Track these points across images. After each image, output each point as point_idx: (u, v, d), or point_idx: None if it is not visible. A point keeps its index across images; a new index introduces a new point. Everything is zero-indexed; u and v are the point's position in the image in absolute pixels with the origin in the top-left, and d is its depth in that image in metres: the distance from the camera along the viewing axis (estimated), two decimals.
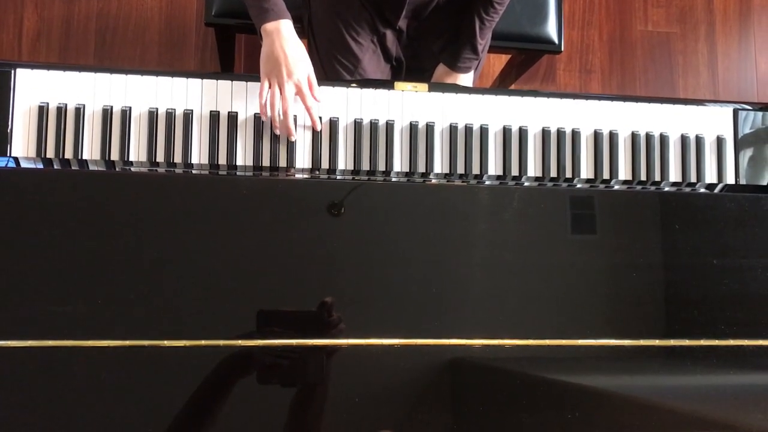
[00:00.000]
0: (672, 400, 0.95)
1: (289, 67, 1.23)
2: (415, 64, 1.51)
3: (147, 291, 0.87)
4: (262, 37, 1.26)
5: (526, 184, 1.20)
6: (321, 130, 1.28)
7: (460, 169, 1.30)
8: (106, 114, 1.22)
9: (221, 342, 0.85)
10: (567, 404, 0.91)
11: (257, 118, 1.26)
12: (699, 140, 1.38)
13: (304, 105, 1.25)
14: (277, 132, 1.26)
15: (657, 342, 0.94)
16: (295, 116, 1.26)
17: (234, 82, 1.27)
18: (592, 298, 0.97)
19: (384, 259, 0.93)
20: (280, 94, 1.23)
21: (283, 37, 1.24)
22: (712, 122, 1.39)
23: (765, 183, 1.41)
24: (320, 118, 1.27)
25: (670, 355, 0.95)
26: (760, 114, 1.42)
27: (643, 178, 1.35)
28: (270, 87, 1.24)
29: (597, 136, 1.35)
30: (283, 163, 1.27)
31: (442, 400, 0.91)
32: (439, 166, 1.30)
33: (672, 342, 0.94)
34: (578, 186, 1.20)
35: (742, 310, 0.96)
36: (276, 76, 1.24)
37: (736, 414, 0.95)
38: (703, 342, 0.94)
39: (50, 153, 1.21)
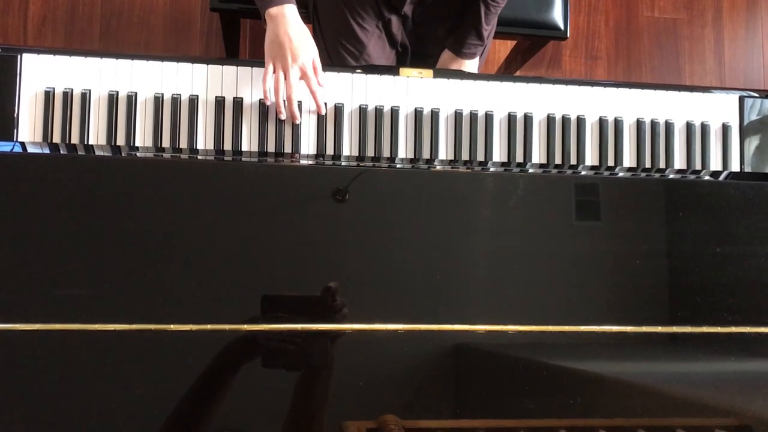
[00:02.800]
0: (674, 386, 0.95)
1: (294, 52, 1.23)
2: (420, 50, 1.50)
3: (153, 275, 0.88)
4: (266, 23, 1.26)
5: (530, 171, 1.20)
6: (326, 116, 1.28)
7: (465, 156, 1.31)
8: (112, 99, 1.23)
9: (227, 326, 0.86)
10: (569, 389, 0.91)
11: (262, 103, 1.27)
12: (704, 127, 1.37)
13: (309, 89, 1.25)
14: (282, 117, 1.26)
15: (660, 329, 0.94)
16: (300, 102, 1.27)
17: (239, 67, 1.27)
18: (595, 284, 0.97)
19: (388, 245, 0.93)
20: (285, 78, 1.24)
21: (288, 22, 1.24)
22: (717, 109, 1.39)
23: None
24: (326, 104, 1.28)
25: (673, 342, 0.96)
26: (767, 101, 1.41)
27: (648, 165, 1.35)
28: (274, 71, 1.24)
29: (602, 123, 1.35)
30: (288, 149, 1.27)
31: (445, 385, 0.91)
32: (444, 152, 1.31)
33: (674, 329, 0.95)
34: (583, 173, 1.20)
35: (744, 297, 0.96)
36: (281, 61, 1.23)
37: (737, 400, 0.95)
38: (705, 329, 0.94)
39: (56, 138, 1.21)
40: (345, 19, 1.40)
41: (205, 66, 1.27)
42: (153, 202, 0.91)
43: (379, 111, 1.29)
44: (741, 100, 1.40)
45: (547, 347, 0.93)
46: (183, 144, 1.24)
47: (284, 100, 1.25)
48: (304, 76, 1.24)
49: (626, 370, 0.96)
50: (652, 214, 1.00)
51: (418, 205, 0.95)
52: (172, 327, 0.85)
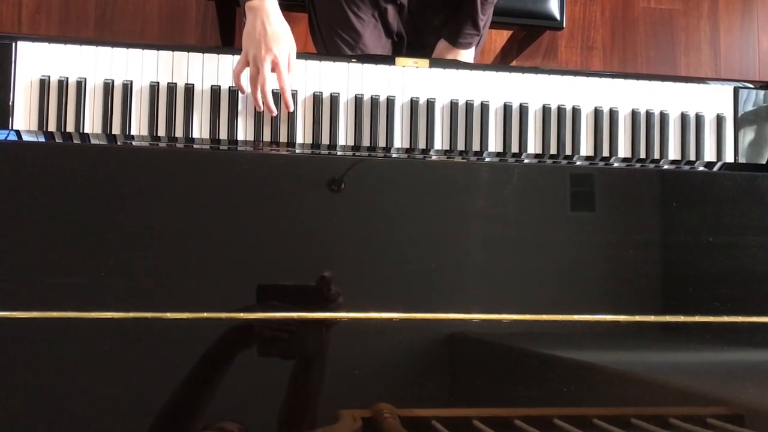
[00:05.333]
0: (666, 375, 0.96)
1: (268, 44, 1.21)
2: (416, 40, 1.50)
3: (149, 264, 0.88)
4: (245, 15, 1.25)
5: (525, 161, 1.20)
6: (321, 106, 1.28)
7: (461, 146, 1.31)
8: (108, 88, 1.23)
9: (223, 315, 0.86)
10: (563, 378, 0.92)
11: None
12: (699, 118, 1.38)
13: (278, 82, 1.23)
14: (259, 109, 1.25)
15: (652, 318, 0.95)
16: (295, 92, 1.26)
17: (235, 56, 1.27)
18: (589, 274, 0.97)
19: (383, 234, 0.94)
20: (258, 70, 1.22)
21: (266, 14, 1.23)
22: (712, 100, 1.39)
23: (764, 161, 1.41)
24: (321, 94, 1.27)
25: (665, 331, 0.96)
26: (761, 93, 1.42)
27: (643, 155, 1.36)
28: (249, 64, 1.23)
29: (597, 113, 1.35)
30: (283, 138, 1.27)
31: (440, 373, 0.92)
32: (440, 142, 1.31)
33: (667, 318, 0.95)
34: (578, 163, 1.20)
35: (736, 287, 0.97)
36: (254, 52, 1.22)
37: (729, 389, 0.96)
38: (697, 318, 0.95)
39: (52, 126, 1.21)
40: (341, 8, 1.40)
41: (200, 55, 1.26)
42: (149, 191, 0.91)
43: (374, 101, 1.29)
44: (736, 91, 1.40)
45: (541, 336, 0.94)
46: (179, 133, 1.24)
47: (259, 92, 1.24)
48: (275, 67, 1.22)
49: (619, 359, 0.96)
50: (647, 204, 1.01)
51: (413, 194, 0.96)
52: (168, 315, 0.85)
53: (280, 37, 1.23)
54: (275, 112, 1.25)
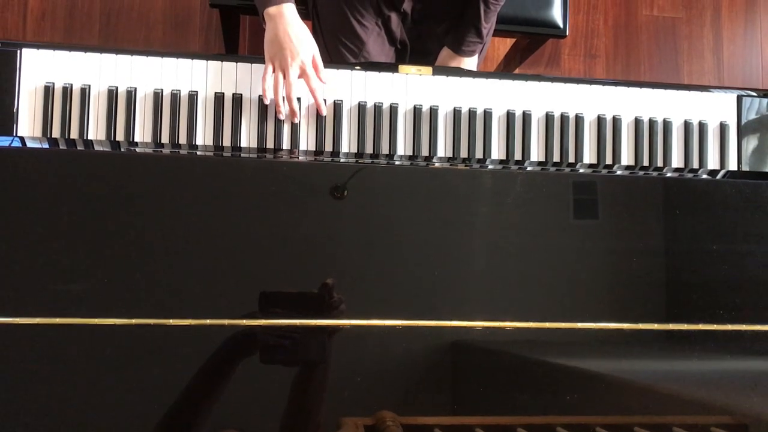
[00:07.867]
0: (670, 384, 0.96)
1: (293, 50, 1.23)
2: (419, 47, 1.50)
3: (152, 270, 0.88)
4: (265, 22, 1.26)
5: (529, 168, 1.20)
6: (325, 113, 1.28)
7: (464, 153, 1.31)
8: (112, 95, 1.23)
9: (225, 321, 0.86)
10: (566, 387, 0.92)
11: (262, 100, 1.27)
12: (702, 126, 1.38)
13: (308, 87, 1.25)
14: (281, 117, 1.26)
15: (656, 326, 0.95)
16: (299, 98, 1.27)
17: (239, 63, 1.27)
18: (592, 281, 0.97)
19: (386, 241, 0.94)
20: (284, 77, 1.23)
21: (287, 21, 1.24)
22: (715, 108, 1.39)
23: (767, 169, 1.41)
24: (324, 101, 1.28)
25: (669, 339, 0.96)
26: (765, 101, 1.41)
27: (646, 163, 1.36)
28: (274, 71, 1.24)
29: (600, 121, 1.35)
30: (287, 145, 1.27)
31: (443, 381, 0.92)
32: (443, 149, 1.31)
33: (671, 326, 0.95)
34: (581, 171, 1.20)
35: (740, 295, 0.97)
36: (280, 59, 1.23)
37: (732, 398, 0.96)
38: (701, 326, 0.95)
39: (56, 133, 1.21)
40: (344, 16, 1.40)
41: (204, 62, 1.27)
42: (152, 198, 0.91)
43: (378, 108, 1.29)
44: (739, 99, 1.40)
45: (544, 344, 0.93)
46: (182, 140, 1.24)
47: (283, 98, 1.25)
48: (303, 74, 1.24)
49: (623, 368, 0.96)
50: (650, 212, 1.01)
51: (416, 202, 0.96)
52: (171, 322, 0.85)
53: (303, 42, 1.24)
54: (298, 118, 1.26)
